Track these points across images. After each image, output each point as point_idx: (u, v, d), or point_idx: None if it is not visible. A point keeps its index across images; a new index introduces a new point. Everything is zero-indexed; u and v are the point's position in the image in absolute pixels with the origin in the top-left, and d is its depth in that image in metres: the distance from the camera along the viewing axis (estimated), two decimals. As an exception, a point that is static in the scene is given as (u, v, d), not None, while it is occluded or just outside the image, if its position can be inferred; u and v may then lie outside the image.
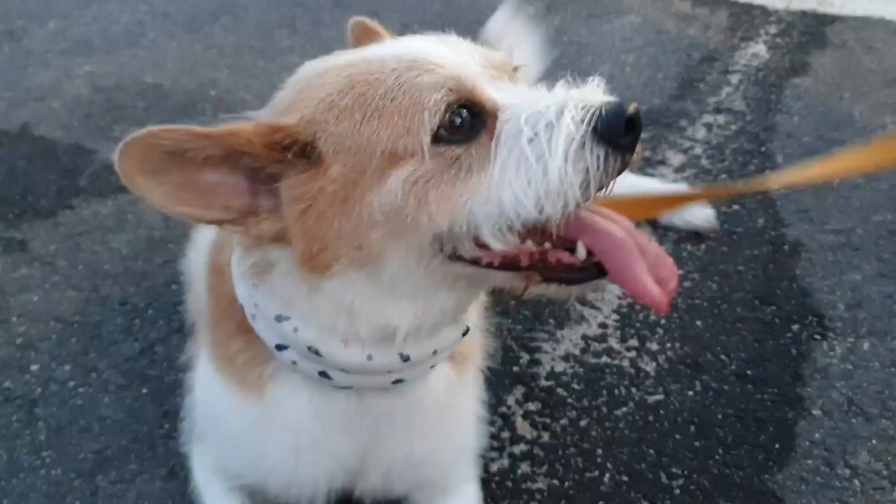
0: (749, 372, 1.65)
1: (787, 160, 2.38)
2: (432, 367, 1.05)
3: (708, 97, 2.78)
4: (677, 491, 1.41)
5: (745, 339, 1.74)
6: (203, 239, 1.30)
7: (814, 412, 1.56)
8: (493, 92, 0.87)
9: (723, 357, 1.69)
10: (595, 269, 0.89)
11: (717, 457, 1.47)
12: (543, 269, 0.90)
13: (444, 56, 0.88)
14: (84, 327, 1.80)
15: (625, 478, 1.44)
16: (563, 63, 2.86)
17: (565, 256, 0.89)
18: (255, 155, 0.86)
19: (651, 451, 1.49)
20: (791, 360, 1.68)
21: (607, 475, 1.45)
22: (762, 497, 1.41)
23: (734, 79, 2.91)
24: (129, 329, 1.79)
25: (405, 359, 0.98)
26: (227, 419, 1.11)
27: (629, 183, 2.16)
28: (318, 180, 0.86)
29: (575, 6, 3.54)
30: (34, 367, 1.69)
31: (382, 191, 0.84)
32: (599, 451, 1.49)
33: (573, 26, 3.35)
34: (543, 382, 1.64)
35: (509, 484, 1.44)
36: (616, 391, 1.62)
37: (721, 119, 2.63)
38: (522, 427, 1.55)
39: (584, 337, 1.76)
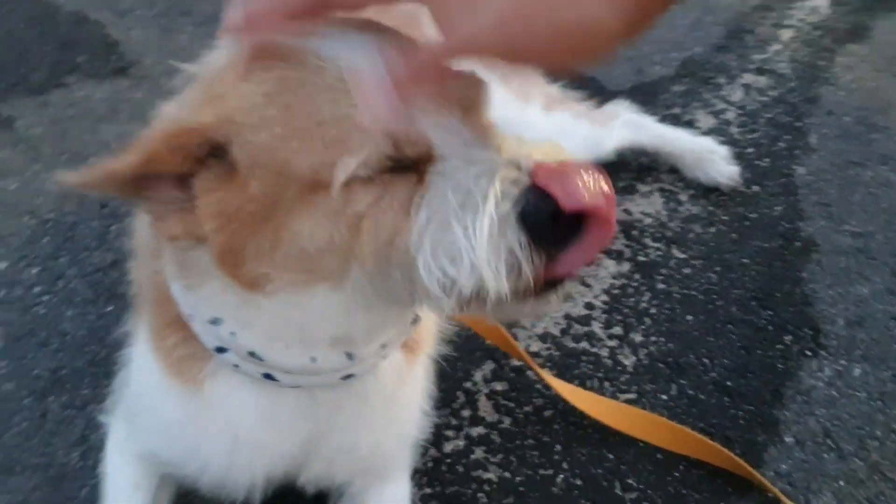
0: (729, 383, 1.59)
1: (821, 141, 2.23)
2: (383, 358, 1.00)
3: (753, 53, 2.60)
4: (628, 505, 1.38)
5: (732, 345, 1.67)
6: None
7: (786, 439, 1.50)
8: (432, 130, 0.76)
9: (706, 360, 1.63)
10: None
11: (676, 474, 1.43)
12: None
13: None
14: (58, 227, 1.74)
15: (578, 482, 1.40)
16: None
17: None
18: (171, 170, 0.78)
19: (610, 457, 1.44)
20: (776, 375, 1.61)
21: (561, 476, 1.41)
22: (713, 526, 1.38)
23: (785, 35, 2.71)
24: (103, 236, 1.73)
25: (350, 356, 0.93)
26: (162, 408, 1.05)
27: (657, 132, 2.04)
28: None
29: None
30: (1, 266, 1.64)
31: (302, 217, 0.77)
32: (558, 448, 1.45)
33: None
34: (514, 362, 1.59)
35: (460, 468, 1.40)
36: (588, 383, 1.56)
37: (762, 81, 2.46)
38: (485, 407, 1.50)
39: (567, 317, 1.69)
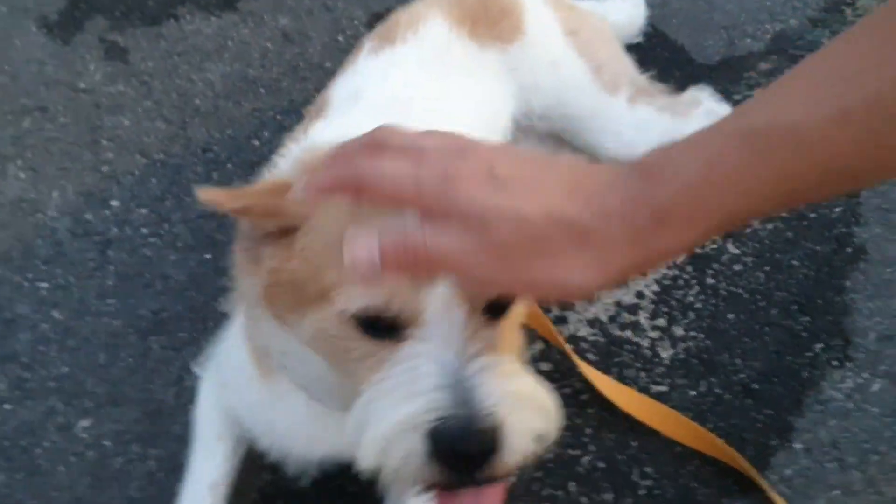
0: (755, 386, 1.75)
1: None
2: None
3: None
4: (642, 492, 1.59)
5: (766, 348, 1.81)
6: None
7: (795, 445, 1.67)
8: (425, 322, 0.88)
9: (737, 361, 1.78)
10: None
11: (689, 468, 1.62)
12: None
13: None
14: (166, 169, 1.94)
15: (601, 464, 1.62)
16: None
17: None
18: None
19: (634, 445, 1.64)
20: (800, 383, 1.76)
21: (587, 458, 1.62)
22: (714, 520, 1.58)
23: (888, 9, 2.65)
24: (206, 181, 1.92)
25: None
26: (246, 388, 1.29)
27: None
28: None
29: None
30: (114, 203, 1.86)
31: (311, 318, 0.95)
32: (588, 431, 1.65)
33: None
34: (564, 344, 1.78)
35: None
36: (626, 371, 1.75)
37: (852, 63, 2.45)
38: (530, 386, 1.70)
39: (618, 304, 1.85)
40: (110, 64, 2.11)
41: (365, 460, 0.87)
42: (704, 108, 2.03)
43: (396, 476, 0.86)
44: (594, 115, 1.85)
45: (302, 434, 1.27)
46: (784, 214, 2.05)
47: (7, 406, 1.55)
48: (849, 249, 2.01)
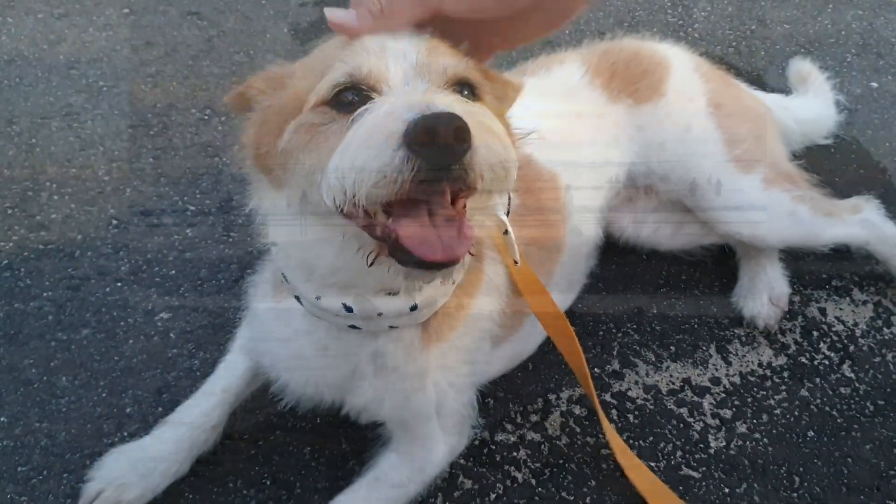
0: (800, 514, 1.53)
1: None
2: (391, 327, 1.26)
3: None
4: (617, 558, 1.47)
5: (837, 477, 1.58)
6: None
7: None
8: (390, 87, 0.98)
9: (796, 478, 1.57)
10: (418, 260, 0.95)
11: (682, 557, 1.47)
12: (393, 244, 0.97)
13: (381, 48, 1.02)
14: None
15: (589, 518, 1.52)
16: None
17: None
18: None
19: (630, 514, 1.52)
20: (860, 528, 1.51)
21: (577, 507, 1.53)
22: None
23: None
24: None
25: (348, 309, 1.20)
26: (261, 303, 1.46)
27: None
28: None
29: None
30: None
31: (290, 125, 1.06)
32: (592, 483, 1.56)
33: None
34: (607, 397, 1.70)
35: (498, 457, 1.59)
36: (661, 444, 1.63)
37: None
38: (552, 422, 1.65)
39: (685, 381, 1.74)
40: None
41: (340, 182, 0.91)
42: (864, 217, 1.87)
43: (373, 190, 0.89)
44: (714, 186, 1.79)
45: (293, 350, 1.38)
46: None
47: (119, 284, 1.85)
48: None
